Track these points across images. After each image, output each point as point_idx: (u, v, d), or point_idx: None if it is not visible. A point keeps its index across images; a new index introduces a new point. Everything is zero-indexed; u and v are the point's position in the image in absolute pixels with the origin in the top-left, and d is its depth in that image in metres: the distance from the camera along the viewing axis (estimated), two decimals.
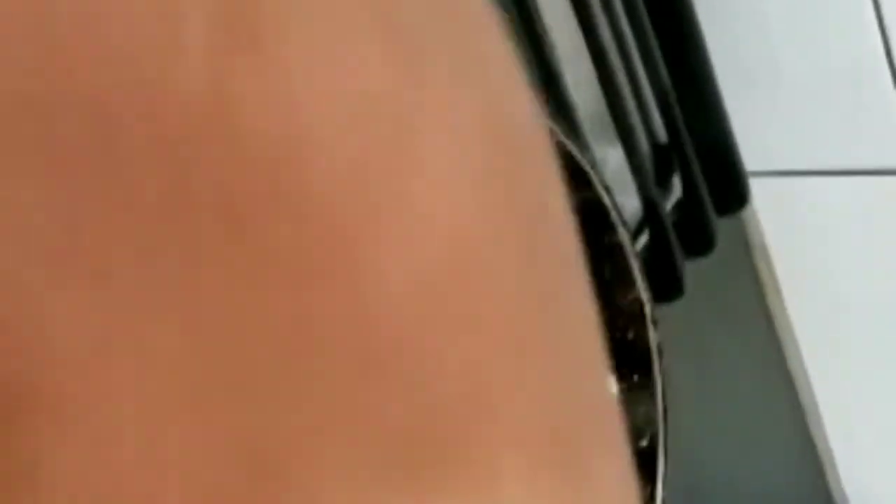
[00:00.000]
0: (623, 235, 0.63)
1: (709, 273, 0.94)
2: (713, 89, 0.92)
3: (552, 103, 0.82)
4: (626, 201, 0.88)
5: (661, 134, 0.93)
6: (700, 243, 0.90)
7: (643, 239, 0.90)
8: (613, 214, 0.63)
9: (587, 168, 0.61)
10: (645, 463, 0.65)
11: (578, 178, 0.62)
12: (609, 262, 0.64)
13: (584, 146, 0.81)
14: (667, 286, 0.88)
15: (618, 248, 0.64)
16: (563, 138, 0.60)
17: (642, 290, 0.64)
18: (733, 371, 1.03)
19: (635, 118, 0.91)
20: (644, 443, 0.64)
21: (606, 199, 0.62)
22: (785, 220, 1.01)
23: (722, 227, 0.94)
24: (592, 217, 0.63)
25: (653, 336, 0.64)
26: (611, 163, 0.89)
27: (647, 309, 0.64)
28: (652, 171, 0.90)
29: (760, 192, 0.96)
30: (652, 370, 0.65)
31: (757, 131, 0.96)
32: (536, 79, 0.86)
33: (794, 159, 0.99)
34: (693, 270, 0.91)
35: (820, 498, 1.14)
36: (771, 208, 1.00)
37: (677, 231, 0.89)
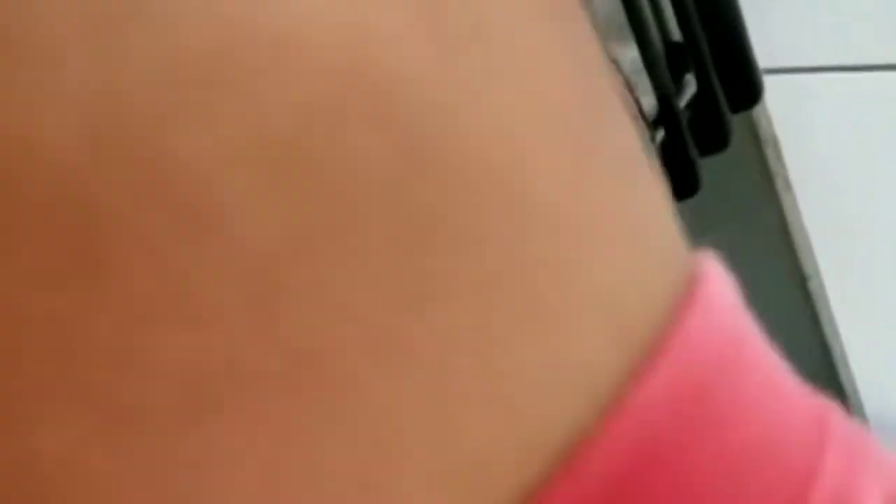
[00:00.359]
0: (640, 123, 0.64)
1: (720, 169, 0.94)
2: None
3: None
4: (641, 100, 0.88)
5: (675, 32, 0.93)
6: (715, 140, 0.90)
7: (658, 137, 0.90)
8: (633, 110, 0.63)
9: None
10: None
11: None
12: None
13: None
14: (682, 184, 0.88)
15: None
16: None
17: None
18: (745, 267, 1.04)
19: (648, 15, 0.91)
20: None
21: (627, 95, 0.62)
22: (796, 117, 1.01)
23: (734, 123, 0.94)
24: None
25: None
26: (624, 62, 0.89)
27: None
28: (666, 68, 0.90)
29: (772, 89, 0.96)
30: None
31: (769, 28, 0.96)
32: None
33: (805, 56, 0.99)
34: (704, 167, 0.92)
35: (832, 394, 1.15)
36: (782, 105, 1.00)
37: (692, 129, 0.89)
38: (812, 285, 1.10)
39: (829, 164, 1.03)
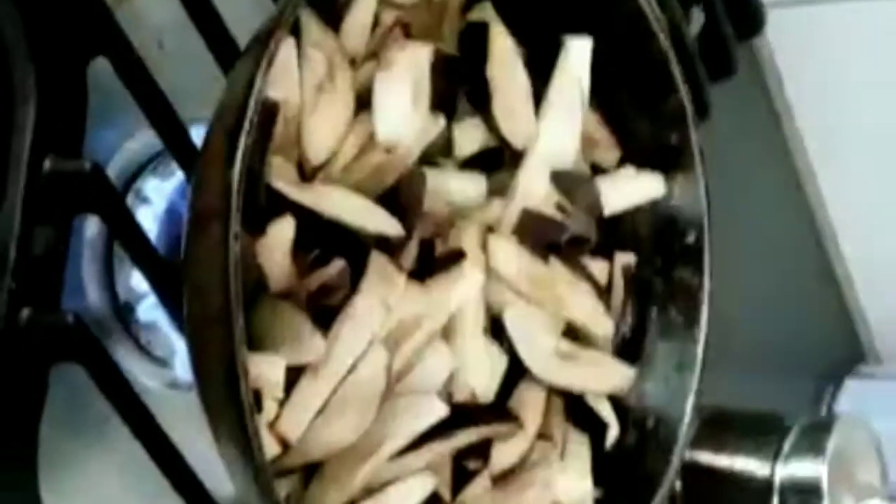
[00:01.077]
0: (664, 42, 0.68)
1: (725, 101, 0.98)
2: None
3: None
4: None
5: None
6: (722, 68, 0.94)
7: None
8: (653, 23, 0.67)
9: None
10: (693, 257, 0.70)
11: None
12: (651, 70, 0.69)
13: None
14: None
15: (659, 56, 0.68)
16: None
17: (684, 94, 0.69)
18: (751, 197, 1.08)
19: None
20: (691, 239, 0.69)
21: (647, 9, 0.67)
22: (799, 47, 1.05)
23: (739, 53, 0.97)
24: (634, 27, 0.67)
25: (695, 138, 0.69)
26: None
27: (689, 111, 0.69)
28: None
29: (775, 20, 1.00)
30: (695, 171, 0.69)
31: None
32: None
33: None
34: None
35: (838, 317, 1.19)
36: (784, 36, 1.04)
37: (701, 59, 0.93)
38: (818, 217, 1.14)
39: (832, 93, 1.07)
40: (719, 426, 0.87)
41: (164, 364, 0.68)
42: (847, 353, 1.21)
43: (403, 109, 0.57)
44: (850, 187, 1.13)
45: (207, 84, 0.65)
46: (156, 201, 0.67)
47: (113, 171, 0.67)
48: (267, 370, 0.52)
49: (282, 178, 0.54)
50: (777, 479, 0.81)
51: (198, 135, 0.68)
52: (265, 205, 0.54)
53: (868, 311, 1.20)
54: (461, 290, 0.60)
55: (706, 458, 0.85)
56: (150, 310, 0.66)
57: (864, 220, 1.15)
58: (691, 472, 0.83)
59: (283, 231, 0.53)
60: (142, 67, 0.60)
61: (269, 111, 0.52)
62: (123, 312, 0.67)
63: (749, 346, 1.08)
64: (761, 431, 0.85)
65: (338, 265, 0.54)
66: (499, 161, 0.67)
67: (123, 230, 0.59)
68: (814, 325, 1.20)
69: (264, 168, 0.53)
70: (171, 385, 0.68)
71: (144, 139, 0.67)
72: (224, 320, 0.49)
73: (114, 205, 0.58)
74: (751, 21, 0.97)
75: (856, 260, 1.17)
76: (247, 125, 0.50)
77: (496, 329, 0.65)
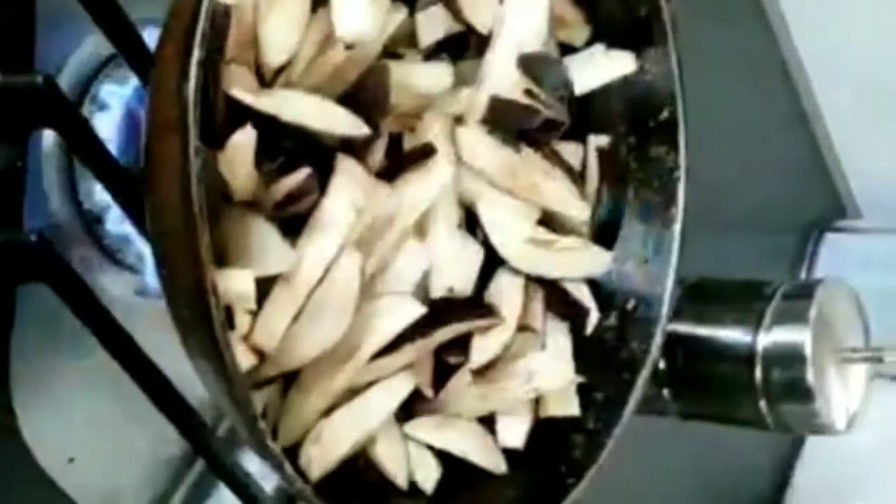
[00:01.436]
0: None
1: None
2: None
3: None
4: None
5: None
6: None
7: None
8: None
9: None
10: (667, 134, 0.68)
11: None
12: None
13: None
14: None
15: None
16: None
17: None
18: (729, 67, 1.06)
19: None
20: (665, 114, 0.68)
21: None
22: None
23: None
24: None
25: (666, 9, 0.67)
26: None
27: None
28: None
29: None
30: (667, 43, 0.68)
31: None
32: None
33: None
34: None
35: (816, 172, 1.18)
36: None
37: None
38: (792, 69, 1.12)
39: None
40: (699, 296, 0.86)
41: (135, 271, 0.67)
42: (826, 208, 1.21)
43: (362, 4, 0.55)
44: (826, 35, 1.11)
45: None
46: (113, 106, 0.65)
47: (67, 77, 0.65)
48: (236, 284, 0.51)
49: (239, 85, 0.52)
50: (760, 348, 0.81)
51: (152, 37, 0.66)
52: (224, 114, 0.52)
53: (846, 166, 1.19)
54: (432, 186, 0.59)
55: (687, 329, 0.85)
56: (118, 221, 0.64)
57: (840, 70, 1.13)
58: (673, 344, 0.82)
59: (244, 142, 0.51)
60: None
61: (222, 17, 0.50)
62: (91, 223, 0.66)
63: (728, 206, 1.07)
64: (742, 300, 0.85)
65: (304, 172, 0.53)
66: (465, 47, 0.65)
67: (81, 143, 0.57)
68: (792, 181, 1.19)
69: (220, 77, 0.51)
70: (141, 292, 0.66)
71: (97, 42, 0.64)
72: (189, 238, 0.48)
73: (70, 117, 0.57)
74: None
75: (832, 114, 1.16)
76: (199, 36, 0.48)
77: (470, 221, 0.64)
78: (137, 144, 0.58)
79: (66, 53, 0.65)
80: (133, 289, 0.67)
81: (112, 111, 0.65)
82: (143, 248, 0.65)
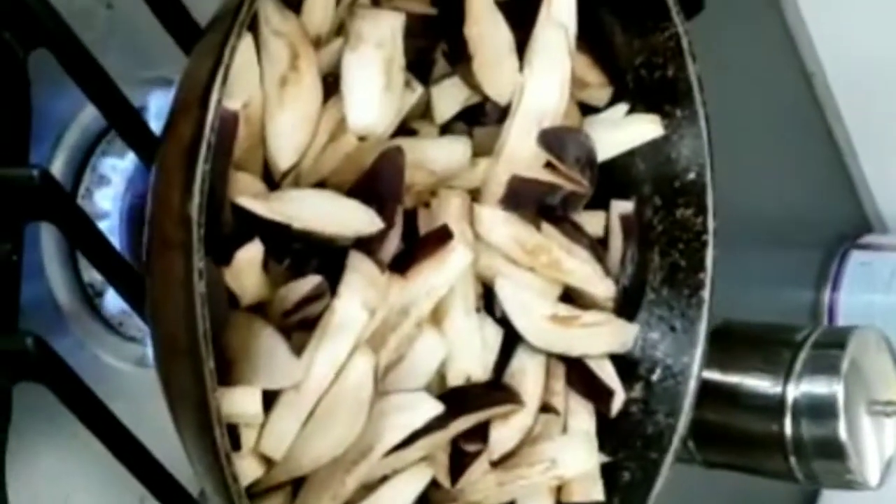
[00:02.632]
0: None
1: None
2: None
3: None
4: None
5: None
6: None
7: None
8: None
9: None
10: (694, 195, 0.66)
11: None
12: (642, 1, 0.63)
13: None
14: (685, 4, 0.87)
15: None
16: None
17: (679, 25, 0.63)
18: (753, 80, 1.03)
19: None
20: (692, 176, 0.65)
21: None
22: None
23: None
24: None
25: (693, 69, 0.64)
26: None
27: (685, 43, 0.64)
28: None
29: None
30: (695, 103, 0.65)
31: None
32: None
33: None
34: None
35: (842, 187, 1.15)
36: None
37: None
38: (816, 82, 1.09)
39: None
40: (725, 341, 0.84)
41: (137, 342, 0.65)
42: (852, 224, 1.18)
43: (375, 96, 0.52)
44: (850, 49, 1.08)
45: (163, 41, 0.60)
46: (114, 181, 0.62)
47: (65, 149, 0.63)
48: (242, 403, 0.48)
49: (247, 191, 0.49)
50: (789, 399, 0.79)
51: (154, 101, 0.63)
52: (231, 221, 0.49)
53: (872, 181, 1.16)
54: (449, 273, 0.56)
55: (713, 376, 0.82)
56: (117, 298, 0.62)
57: (866, 85, 1.10)
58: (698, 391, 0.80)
59: (251, 256, 0.48)
60: (86, 57, 0.55)
61: (229, 124, 0.47)
62: (92, 296, 0.63)
63: (754, 220, 1.05)
64: (770, 346, 0.82)
65: (313, 280, 0.50)
66: (482, 113, 0.63)
67: (79, 235, 0.55)
68: (817, 196, 1.16)
69: (226, 184, 0.48)
70: (142, 363, 0.64)
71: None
72: (193, 362, 0.45)
73: (66, 210, 0.54)
74: None
75: (857, 128, 1.13)
76: (203, 150, 0.45)
77: (488, 296, 0.62)
78: (140, 222, 0.55)
79: (66, 122, 0.63)
80: (134, 360, 0.64)
81: (113, 185, 0.62)
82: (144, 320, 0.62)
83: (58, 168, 0.62)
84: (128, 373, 0.64)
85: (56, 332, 0.63)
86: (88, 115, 0.62)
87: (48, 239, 0.61)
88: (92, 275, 0.63)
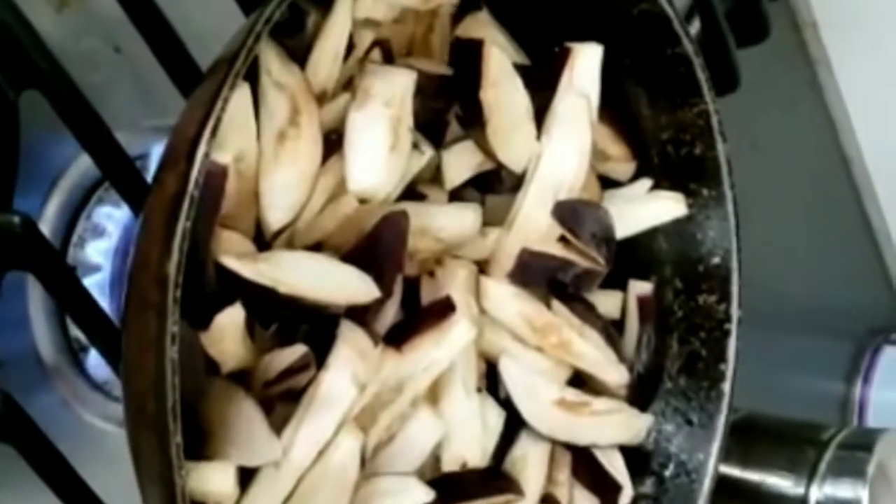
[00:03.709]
0: (688, 46, 0.59)
1: (757, 56, 0.90)
2: None
3: None
4: None
5: None
6: (753, 31, 0.85)
7: (692, 30, 0.85)
8: (676, 25, 0.59)
9: None
10: (718, 281, 0.62)
11: None
12: (672, 75, 0.60)
13: None
14: (720, 79, 0.83)
15: (682, 60, 0.60)
16: None
17: (710, 103, 0.60)
18: (789, 153, 1.00)
19: None
20: (717, 260, 0.62)
21: (669, 10, 0.58)
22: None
23: (772, 9, 0.89)
24: (654, 29, 0.59)
25: (722, 149, 0.61)
26: None
27: (715, 121, 0.61)
28: None
29: None
30: (722, 184, 0.61)
31: None
32: None
33: None
34: (743, 55, 0.87)
35: (875, 274, 1.12)
36: None
37: (728, 19, 0.85)
38: (854, 168, 1.06)
39: (871, 47, 0.98)
40: (748, 434, 0.80)
41: (121, 402, 0.61)
42: (887, 316, 1.14)
43: (379, 156, 0.49)
44: (890, 141, 1.05)
45: (170, 88, 0.58)
46: (110, 231, 0.59)
47: (62, 189, 0.60)
48: (215, 479, 0.45)
49: (232, 250, 0.46)
50: (812, 501, 0.74)
51: (157, 150, 0.61)
52: (215, 280, 0.46)
53: None
54: (449, 349, 0.53)
55: (733, 471, 0.78)
56: None
57: None
58: (716, 485, 0.76)
59: (231, 321, 0.45)
60: (79, 101, 0.52)
61: (217, 178, 0.44)
62: (77, 352, 0.60)
63: (783, 305, 1.01)
64: (795, 444, 0.78)
65: (299, 350, 0.47)
66: (495, 180, 0.59)
67: (62, 289, 0.52)
68: (851, 285, 1.12)
69: (210, 245, 0.45)
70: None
71: None
72: (160, 433, 0.42)
73: (49, 262, 0.51)
74: None
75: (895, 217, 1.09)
76: (186, 205, 0.42)
77: (492, 377, 0.58)
78: None
79: (63, 167, 0.60)
80: (118, 420, 0.61)
81: (107, 236, 0.59)
82: None
83: (50, 215, 0.59)
84: (111, 434, 0.61)
85: (38, 388, 0.60)
86: (86, 161, 0.60)
87: (34, 289, 0.58)
88: (78, 329, 0.60)
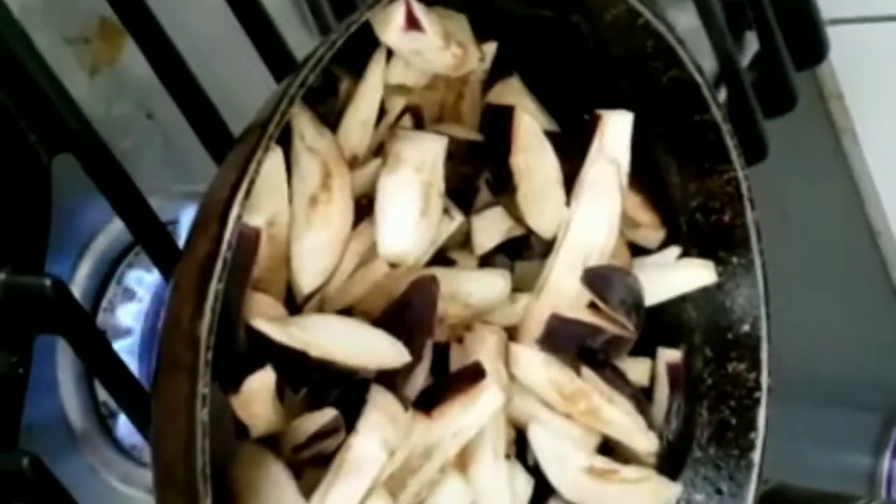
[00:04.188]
0: (717, 113, 0.60)
1: (783, 126, 0.90)
2: None
3: None
4: (701, 63, 0.83)
5: None
6: (780, 102, 0.86)
7: (720, 99, 0.86)
8: (705, 91, 0.59)
9: (677, 46, 0.57)
10: (748, 349, 0.62)
11: (669, 57, 0.58)
12: (701, 142, 0.60)
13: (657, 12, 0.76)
14: (748, 149, 0.83)
15: (711, 127, 0.60)
16: (651, 18, 0.55)
17: (739, 170, 0.60)
18: (816, 224, 1.00)
19: None
20: (746, 328, 0.62)
21: (698, 77, 0.58)
22: (862, 69, 0.96)
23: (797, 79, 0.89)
24: (683, 96, 0.59)
25: (751, 216, 0.61)
26: (682, 23, 0.84)
27: (745, 188, 0.61)
28: (725, 25, 0.85)
29: (835, 41, 0.91)
30: (752, 252, 0.61)
31: None
32: None
33: (869, 5, 0.94)
34: (769, 124, 0.87)
35: None
36: (847, 57, 0.96)
37: (755, 90, 0.85)
38: (882, 241, 1.05)
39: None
40: None
41: (150, 468, 0.61)
42: None
43: (410, 221, 0.49)
44: None
45: (202, 155, 0.58)
46: (140, 295, 0.59)
47: (94, 252, 0.60)
48: None
49: (265, 313, 0.46)
50: None
51: (187, 216, 0.61)
52: (246, 343, 0.46)
53: None
54: (479, 415, 0.52)
55: None
56: None
57: None
58: None
59: (262, 384, 0.45)
60: (112, 165, 0.52)
61: (250, 241, 0.44)
62: (105, 417, 0.60)
63: (811, 377, 1.00)
64: None
65: (329, 413, 0.47)
66: (525, 246, 0.59)
67: (92, 352, 0.52)
68: (880, 358, 1.12)
69: (242, 303, 0.45)
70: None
71: None
72: (190, 497, 0.42)
73: (80, 325, 0.51)
74: (812, 46, 0.88)
75: None
76: (218, 267, 0.42)
77: (521, 444, 0.58)
78: None
79: (95, 230, 0.60)
80: (146, 487, 0.61)
81: (138, 300, 0.59)
82: None
83: (81, 278, 0.60)
84: (139, 500, 0.61)
85: (66, 454, 0.60)
86: (118, 225, 0.60)
87: (63, 353, 0.59)
88: (106, 394, 0.60)
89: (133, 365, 0.58)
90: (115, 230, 0.60)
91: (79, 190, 0.55)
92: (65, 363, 0.59)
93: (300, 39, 0.69)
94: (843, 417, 1.08)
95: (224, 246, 0.42)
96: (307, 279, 0.48)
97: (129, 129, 0.61)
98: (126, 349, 0.59)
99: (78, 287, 0.59)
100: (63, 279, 0.51)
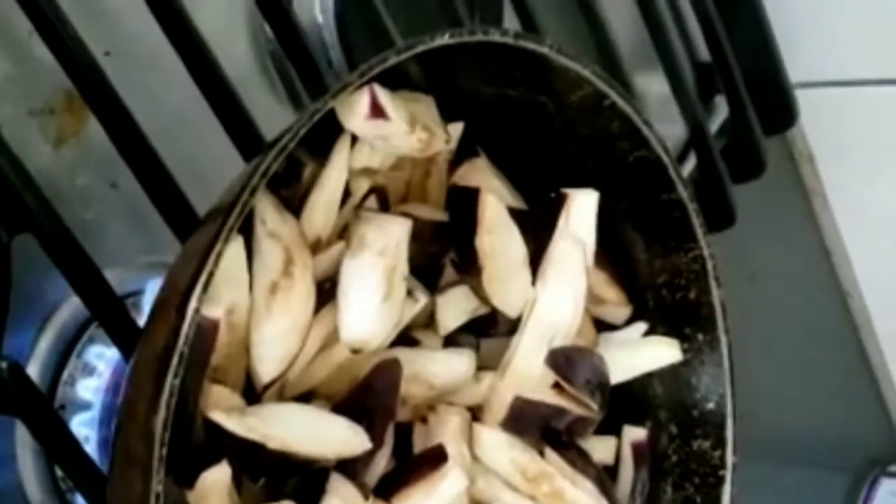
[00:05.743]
0: (683, 193, 0.59)
1: (753, 187, 0.90)
2: (755, 1, 0.88)
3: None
4: (669, 129, 0.83)
5: (703, 52, 0.89)
6: (749, 167, 0.86)
7: (689, 165, 0.86)
8: (672, 171, 0.59)
9: (643, 127, 0.57)
10: (713, 427, 0.62)
11: (635, 138, 0.57)
12: (667, 220, 0.60)
13: (624, 79, 0.77)
14: (716, 215, 0.84)
15: (677, 206, 0.60)
16: (618, 99, 0.55)
17: (705, 248, 0.60)
18: (786, 287, 1.00)
19: (675, 35, 0.87)
20: (711, 405, 0.61)
21: (665, 157, 0.58)
22: (832, 132, 0.97)
23: (767, 142, 0.89)
24: (649, 175, 0.59)
25: (717, 294, 0.61)
26: (651, 90, 0.84)
27: (710, 266, 0.61)
28: (695, 92, 0.85)
29: (806, 104, 0.92)
30: (717, 329, 0.61)
31: (800, 41, 0.91)
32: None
33: (838, 69, 0.94)
34: (739, 187, 0.87)
35: (875, 412, 1.11)
36: (817, 120, 0.96)
37: (724, 155, 0.85)
38: (852, 303, 1.05)
39: (867, 180, 0.98)
40: None
41: None
42: (883, 449, 1.13)
43: (372, 308, 0.49)
44: (887, 275, 1.05)
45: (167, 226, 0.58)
46: (101, 371, 0.59)
47: (54, 326, 0.59)
48: None
49: (220, 404, 0.45)
50: None
51: (152, 287, 0.61)
52: (203, 434, 0.45)
53: None
54: (441, 501, 0.52)
55: None
56: None
57: None
58: None
59: (216, 479, 0.45)
60: (71, 244, 0.52)
61: (207, 334, 0.44)
62: (63, 488, 0.60)
63: (779, 438, 1.00)
64: None
65: None
66: (490, 324, 0.59)
67: (50, 436, 0.51)
68: (848, 418, 1.12)
69: (199, 399, 0.45)
70: None
71: None
72: None
73: (36, 407, 0.50)
74: (782, 112, 0.89)
75: (893, 351, 1.09)
76: (175, 361, 0.41)
77: None
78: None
79: (54, 305, 0.60)
80: None
81: (99, 375, 0.58)
82: None
83: (41, 352, 0.59)
84: None
85: None
86: (77, 300, 0.59)
87: (21, 429, 0.58)
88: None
89: (93, 436, 0.58)
90: (75, 304, 0.59)
91: (40, 265, 0.55)
92: (23, 439, 0.58)
93: (268, 105, 0.69)
94: (812, 477, 1.08)
95: (181, 340, 0.42)
96: (266, 368, 0.47)
97: (93, 200, 0.60)
98: (85, 423, 0.59)
99: (37, 361, 0.58)
100: (21, 358, 0.50)
